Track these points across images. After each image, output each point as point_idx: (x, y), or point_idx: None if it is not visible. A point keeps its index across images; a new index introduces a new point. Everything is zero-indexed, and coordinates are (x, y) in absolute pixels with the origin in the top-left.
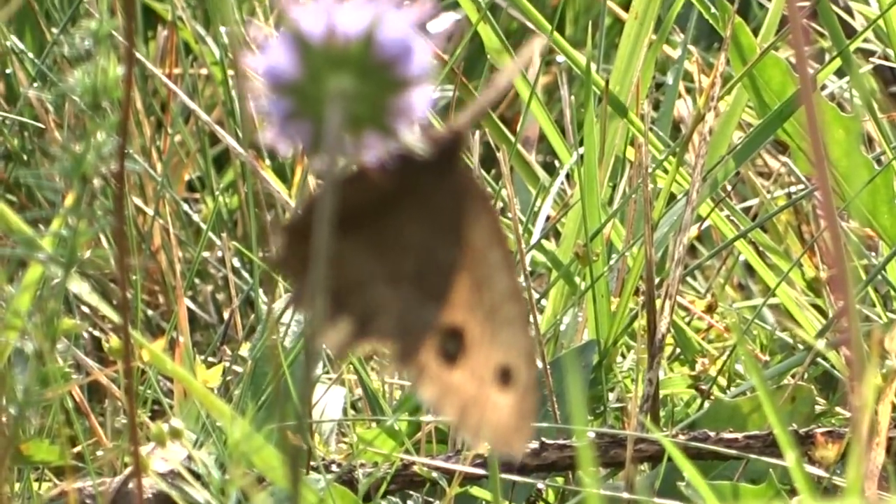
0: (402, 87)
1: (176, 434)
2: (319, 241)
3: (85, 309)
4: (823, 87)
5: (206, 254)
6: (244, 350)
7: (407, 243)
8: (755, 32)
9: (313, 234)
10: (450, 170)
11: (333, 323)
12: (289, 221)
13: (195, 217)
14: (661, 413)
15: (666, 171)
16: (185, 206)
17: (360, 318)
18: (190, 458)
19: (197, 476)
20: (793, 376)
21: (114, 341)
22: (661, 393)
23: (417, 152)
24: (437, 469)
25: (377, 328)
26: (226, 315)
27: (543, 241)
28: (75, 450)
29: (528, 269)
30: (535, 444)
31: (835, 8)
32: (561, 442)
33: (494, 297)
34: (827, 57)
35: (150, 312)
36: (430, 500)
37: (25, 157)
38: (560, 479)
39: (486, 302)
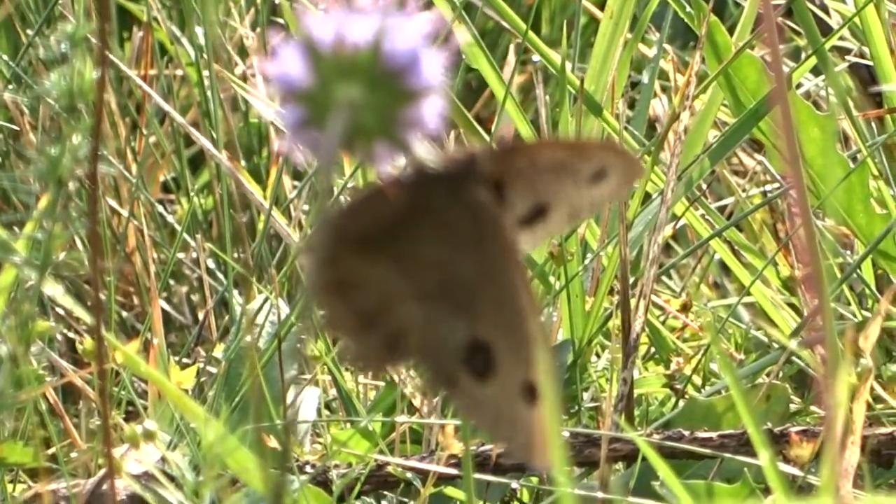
0: (412, 97)
1: (150, 436)
2: (314, 247)
3: (59, 311)
4: (799, 86)
5: (180, 255)
6: (218, 351)
7: (429, 260)
8: (730, 31)
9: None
10: (466, 187)
11: (365, 343)
12: (310, 242)
13: (170, 218)
14: (636, 412)
15: None
16: (160, 208)
17: (391, 337)
18: (164, 459)
19: (171, 478)
20: (767, 375)
21: (88, 343)
22: (636, 392)
23: (429, 165)
24: (411, 469)
25: (407, 346)
26: (200, 316)
27: None
28: (49, 451)
29: None
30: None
31: (810, 6)
32: None
33: (513, 315)
34: (802, 55)
35: (124, 314)
36: (405, 500)
37: (0, 160)
38: (534, 479)
39: (507, 319)
